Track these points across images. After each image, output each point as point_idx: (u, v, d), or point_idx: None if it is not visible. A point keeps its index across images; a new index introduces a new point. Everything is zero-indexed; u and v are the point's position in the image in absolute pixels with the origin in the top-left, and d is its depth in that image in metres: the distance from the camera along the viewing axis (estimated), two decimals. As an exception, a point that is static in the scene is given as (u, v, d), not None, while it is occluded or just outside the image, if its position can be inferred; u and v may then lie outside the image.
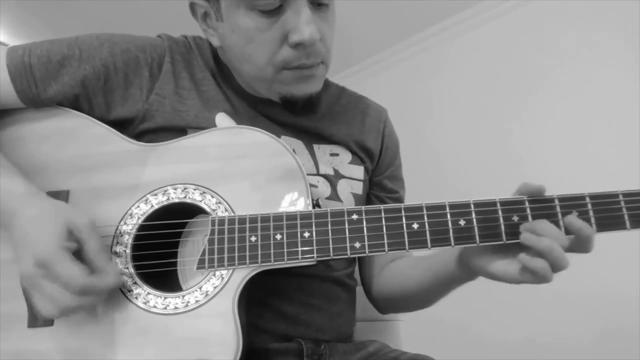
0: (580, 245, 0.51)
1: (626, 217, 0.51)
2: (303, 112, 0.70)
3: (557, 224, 0.51)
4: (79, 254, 0.51)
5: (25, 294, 0.54)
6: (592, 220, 0.51)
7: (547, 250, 0.49)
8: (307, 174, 0.58)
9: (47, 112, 0.64)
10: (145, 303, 0.54)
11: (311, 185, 0.64)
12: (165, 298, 0.54)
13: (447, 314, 1.85)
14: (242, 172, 0.58)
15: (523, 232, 0.51)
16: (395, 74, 2.51)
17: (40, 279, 0.49)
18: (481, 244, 0.52)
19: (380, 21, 2.24)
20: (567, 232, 0.51)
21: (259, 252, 0.53)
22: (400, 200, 0.80)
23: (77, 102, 0.64)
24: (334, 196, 0.69)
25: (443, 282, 0.66)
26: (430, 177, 2.03)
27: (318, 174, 0.69)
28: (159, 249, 0.57)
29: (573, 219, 0.50)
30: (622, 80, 1.71)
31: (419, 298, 0.73)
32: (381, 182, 0.78)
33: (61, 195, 0.59)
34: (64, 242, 0.50)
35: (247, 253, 0.54)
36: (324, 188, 0.69)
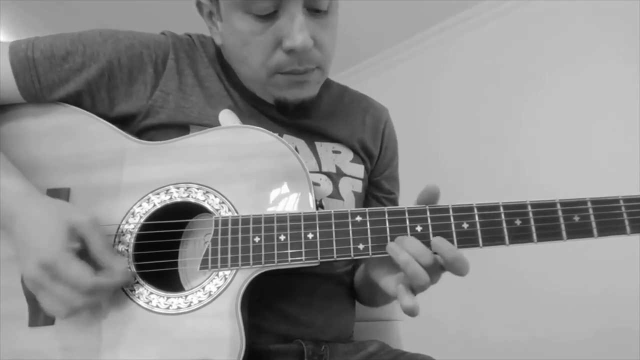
0: (448, 266, 0.51)
1: (626, 222, 0.51)
2: (298, 114, 0.70)
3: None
4: (83, 253, 0.51)
5: (27, 293, 0.54)
6: (593, 224, 0.52)
7: (404, 264, 0.50)
8: (310, 172, 0.58)
9: (47, 108, 0.64)
10: (147, 303, 0.54)
11: (314, 184, 0.64)
12: (167, 298, 0.54)
13: (447, 314, 1.86)
14: (246, 172, 0.58)
15: (389, 243, 0.52)
16: (395, 74, 2.51)
17: (47, 281, 0.49)
18: (484, 247, 0.52)
19: (380, 21, 2.24)
20: (436, 252, 0.51)
21: (263, 253, 0.53)
22: (395, 201, 0.81)
23: (79, 98, 0.64)
24: (336, 194, 0.70)
25: (371, 289, 0.69)
26: (430, 178, 2.02)
27: (320, 172, 0.69)
28: (161, 248, 0.57)
29: (439, 240, 0.51)
30: (623, 80, 1.71)
31: (365, 298, 0.76)
32: (379, 182, 0.79)
33: (62, 193, 0.59)
34: (68, 243, 0.50)
35: (251, 254, 0.54)
36: (326, 186, 0.69)
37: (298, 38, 0.58)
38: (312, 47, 0.61)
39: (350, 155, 0.74)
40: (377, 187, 0.79)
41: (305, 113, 0.71)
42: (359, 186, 0.73)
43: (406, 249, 0.51)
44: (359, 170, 0.74)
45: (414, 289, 0.52)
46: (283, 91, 0.65)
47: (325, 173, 0.69)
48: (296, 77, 0.63)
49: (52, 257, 0.49)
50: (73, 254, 0.50)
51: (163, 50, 0.67)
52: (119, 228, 0.57)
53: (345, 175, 0.72)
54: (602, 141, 1.72)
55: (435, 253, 0.51)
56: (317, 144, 0.71)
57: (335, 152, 0.72)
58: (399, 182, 0.83)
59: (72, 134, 0.62)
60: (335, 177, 0.70)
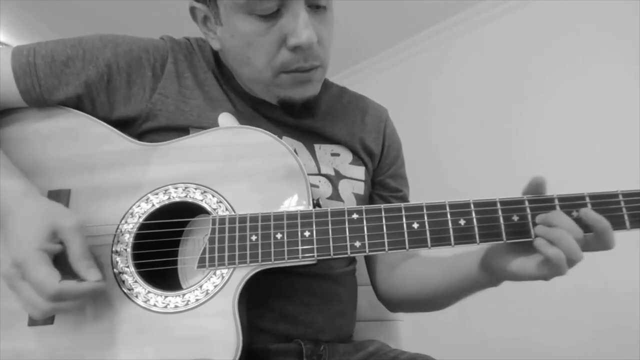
0: (598, 239, 0.50)
1: (626, 217, 0.51)
2: (303, 113, 0.70)
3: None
4: (64, 257, 0.51)
5: None
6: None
7: (558, 240, 0.48)
8: (309, 174, 0.59)
9: (49, 111, 0.64)
10: (145, 302, 0.54)
11: (312, 186, 0.64)
12: (165, 297, 0.54)
13: (447, 313, 1.85)
14: (243, 172, 0.58)
15: (537, 224, 0.51)
16: (395, 74, 2.51)
17: (17, 280, 0.49)
18: (481, 243, 0.52)
19: (380, 21, 2.25)
20: (584, 226, 0.50)
21: (260, 251, 0.54)
22: (404, 198, 0.80)
23: (80, 102, 0.64)
24: (336, 196, 0.69)
25: (463, 286, 0.65)
26: (431, 178, 2.03)
27: (319, 174, 0.69)
28: (160, 247, 0.57)
29: (589, 211, 0.50)
30: (623, 80, 1.71)
31: (435, 301, 0.72)
32: (384, 182, 0.78)
33: (62, 194, 0.59)
34: (44, 244, 0.49)
35: (248, 252, 0.54)
36: (325, 188, 0.69)
37: (304, 34, 0.59)
38: (316, 43, 0.61)
39: (349, 157, 0.74)
40: (383, 187, 0.78)
41: (309, 112, 0.72)
42: (360, 188, 0.73)
43: (558, 225, 0.49)
44: (359, 172, 0.74)
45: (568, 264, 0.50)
46: (288, 90, 0.65)
47: (324, 175, 0.69)
48: (300, 75, 0.63)
49: (24, 255, 0.48)
50: (46, 256, 0.49)
51: (161, 54, 0.68)
52: (118, 228, 0.57)
53: (344, 177, 0.72)
54: (603, 142, 1.72)
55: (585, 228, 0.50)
56: (316, 147, 0.71)
57: (334, 154, 0.72)
58: (407, 180, 0.82)
59: (73, 137, 0.63)
60: (334, 179, 0.70)
